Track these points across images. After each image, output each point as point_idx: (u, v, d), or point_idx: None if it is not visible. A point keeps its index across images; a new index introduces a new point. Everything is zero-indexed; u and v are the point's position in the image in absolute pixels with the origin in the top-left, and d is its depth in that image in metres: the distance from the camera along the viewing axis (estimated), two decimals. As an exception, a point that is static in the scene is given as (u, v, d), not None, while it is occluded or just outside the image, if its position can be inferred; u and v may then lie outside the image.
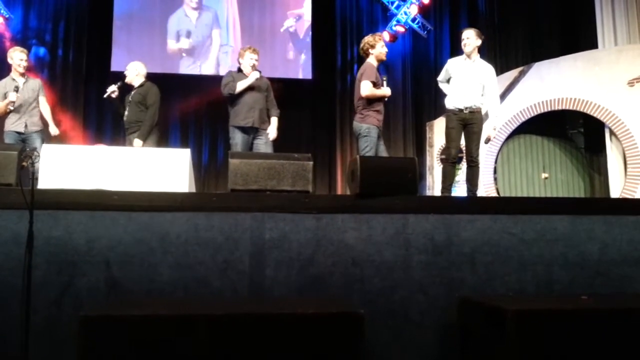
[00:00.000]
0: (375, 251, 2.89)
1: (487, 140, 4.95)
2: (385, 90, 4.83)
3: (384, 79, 4.87)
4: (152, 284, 2.71)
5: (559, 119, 8.01)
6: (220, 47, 9.61)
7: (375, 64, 4.86)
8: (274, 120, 5.25)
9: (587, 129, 7.94)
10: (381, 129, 4.85)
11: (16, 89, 5.20)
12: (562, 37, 8.97)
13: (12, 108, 5.19)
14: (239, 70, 5.25)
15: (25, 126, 5.25)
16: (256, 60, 5.21)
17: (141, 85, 5.41)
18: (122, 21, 9.33)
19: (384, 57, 4.93)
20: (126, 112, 5.30)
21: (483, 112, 4.93)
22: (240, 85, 5.02)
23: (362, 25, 9.91)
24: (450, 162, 4.91)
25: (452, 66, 4.97)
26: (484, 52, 9.07)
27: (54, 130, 5.52)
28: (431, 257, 2.92)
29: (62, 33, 9.01)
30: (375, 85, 4.74)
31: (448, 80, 5.03)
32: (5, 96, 5.22)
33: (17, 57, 5.33)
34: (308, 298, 2.74)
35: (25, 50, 5.47)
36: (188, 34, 9.51)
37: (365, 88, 4.69)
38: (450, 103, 4.89)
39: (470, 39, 4.84)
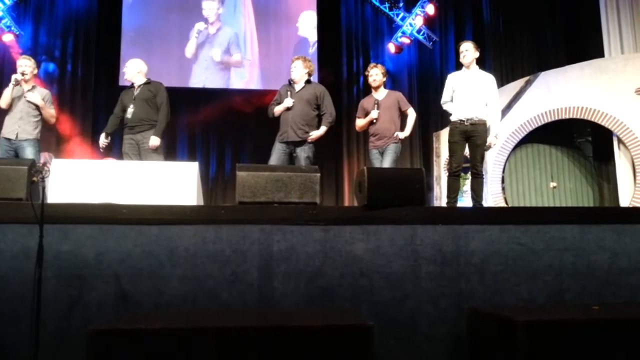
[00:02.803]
0: (383, 262, 2.88)
1: (488, 148, 4.97)
2: (369, 117, 5.26)
3: (376, 102, 5.27)
4: (161, 297, 2.71)
5: (566, 128, 7.98)
6: (235, 61, 9.72)
7: (373, 92, 5.40)
8: (322, 128, 5.16)
9: (595, 138, 7.92)
10: (382, 147, 5.23)
11: (16, 82, 5.11)
12: (568, 46, 8.98)
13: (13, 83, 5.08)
14: (289, 82, 5.24)
15: (17, 135, 5.10)
16: (294, 67, 5.24)
17: (147, 83, 5.26)
18: (130, 35, 9.45)
19: (372, 84, 5.36)
20: (131, 109, 5.09)
21: (488, 124, 4.97)
22: (278, 109, 5.12)
23: (368, 37, 9.97)
24: (453, 175, 4.96)
25: (454, 80, 5.06)
26: (489, 61, 9.22)
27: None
28: (440, 268, 2.91)
29: (71, 48, 9.14)
30: (367, 114, 5.31)
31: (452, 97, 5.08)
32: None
33: (17, 64, 5.30)
34: (317, 310, 2.74)
35: (26, 57, 5.34)
36: (204, 48, 9.64)
37: (356, 126, 5.56)
38: (453, 115, 5.00)
39: (469, 50, 4.97)
